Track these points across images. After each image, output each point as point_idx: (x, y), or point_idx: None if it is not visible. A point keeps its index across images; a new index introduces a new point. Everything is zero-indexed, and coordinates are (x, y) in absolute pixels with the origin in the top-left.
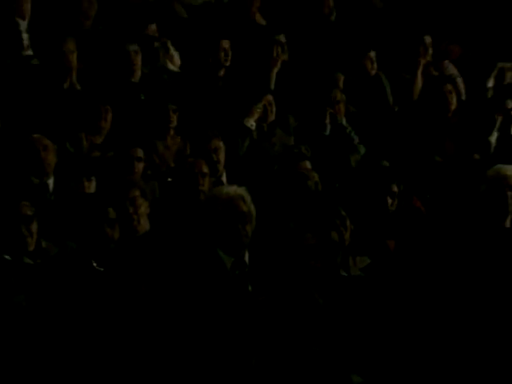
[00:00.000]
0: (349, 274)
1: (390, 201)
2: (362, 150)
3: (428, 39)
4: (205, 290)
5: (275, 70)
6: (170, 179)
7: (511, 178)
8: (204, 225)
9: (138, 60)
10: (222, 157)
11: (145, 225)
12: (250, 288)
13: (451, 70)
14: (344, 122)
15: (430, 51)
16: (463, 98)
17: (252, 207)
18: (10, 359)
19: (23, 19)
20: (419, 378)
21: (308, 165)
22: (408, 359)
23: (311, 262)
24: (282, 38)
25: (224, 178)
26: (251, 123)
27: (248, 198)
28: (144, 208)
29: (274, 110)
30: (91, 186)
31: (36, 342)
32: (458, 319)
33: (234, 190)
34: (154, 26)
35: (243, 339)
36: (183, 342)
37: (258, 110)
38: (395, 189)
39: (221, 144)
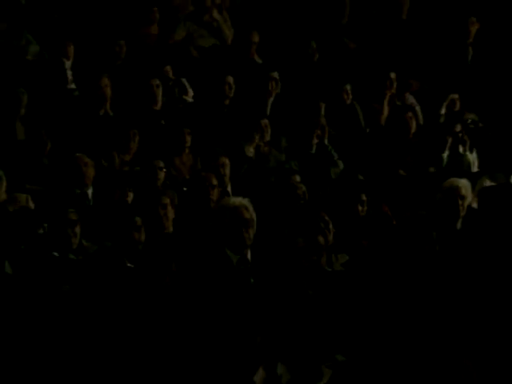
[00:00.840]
0: (332, 269)
1: (360, 208)
2: (341, 165)
3: (393, 75)
4: (216, 281)
5: (270, 100)
6: (185, 189)
7: (462, 188)
8: (215, 229)
9: (159, 92)
10: (227, 171)
11: (170, 227)
12: (251, 280)
13: (411, 100)
14: (326, 141)
15: (395, 85)
16: (421, 122)
17: (254, 215)
18: (59, 340)
19: (68, 59)
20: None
21: (297, 178)
22: (385, 339)
23: (302, 261)
24: (276, 75)
25: (229, 189)
26: (251, 150)
27: (250, 207)
28: (171, 214)
29: (270, 132)
30: (130, 196)
31: (80, 325)
32: (418, 305)
33: (239, 200)
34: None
35: (246, 319)
36: (198, 320)
37: (257, 137)
38: (364, 198)
39: (227, 160)
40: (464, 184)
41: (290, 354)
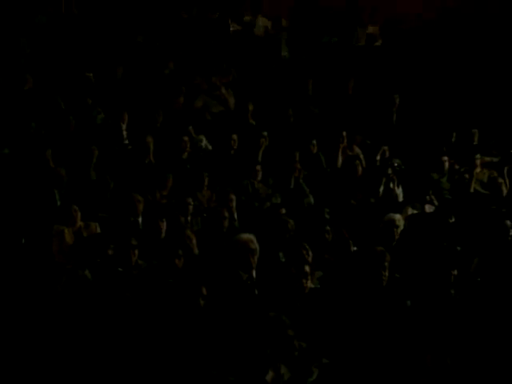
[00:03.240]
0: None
1: (326, 235)
2: (312, 199)
3: (344, 133)
4: (231, 292)
5: (261, 150)
6: (205, 215)
7: (397, 221)
8: (230, 255)
9: (187, 144)
10: (234, 204)
11: (195, 249)
12: (256, 292)
13: (357, 150)
14: (301, 180)
15: (345, 140)
16: (364, 166)
17: (257, 245)
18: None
19: (123, 123)
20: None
21: (283, 211)
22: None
23: (293, 283)
24: (265, 133)
25: (235, 216)
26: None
27: (255, 240)
28: (195, 240)
29: (261, 173)
30: (163, 226)
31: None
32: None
33: (247, 235)
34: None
35: (251, 319)
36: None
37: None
38: (328, 228)
39: (233, 196)
40: (398, 217)
41: (289, 356)
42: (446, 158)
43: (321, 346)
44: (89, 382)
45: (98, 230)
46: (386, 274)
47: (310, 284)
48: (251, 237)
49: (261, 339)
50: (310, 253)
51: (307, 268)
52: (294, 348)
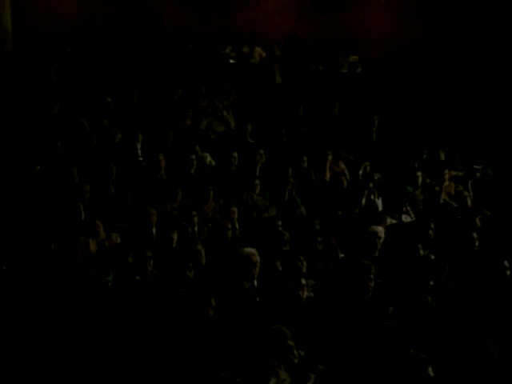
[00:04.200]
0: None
1: (319, 246)
2: (303, 209)
3: (330, 156)
4: (235, 298)
5: (259, 166)
6: (210, 224)
7: (379, 232)
8: (235, 267)
9: (194, 162)
10: (236, 216)
11: (203, 260)
12: (257, 299)
13: (342, 166)
14: (294, 192)
15: (331, 157)
16: (348, 180)
17: (258, 258)
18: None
19: (138, 142)
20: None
21: (279, 223)
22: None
23: (290, 293)
24: (262, 151)
25: (237, 226)
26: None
27: (256, 253)
28: (203, 252)
29: (259, 187)
30: (175, 237)
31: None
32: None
33: (249, 249)
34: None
35: (256, 329)
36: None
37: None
38: (320, 239)
39: (235, 209)
40: (380, 230)
41: (289, 363)
42: (419, 174)
43: (317, 355)
44: (101, 378)
45: (118, 241)
46: (372, 284)
47: (306, 294)
48: (253, 251)
49: (265, 349)
50: (305, 263)
51: (304, 281)
52: (294, 356)
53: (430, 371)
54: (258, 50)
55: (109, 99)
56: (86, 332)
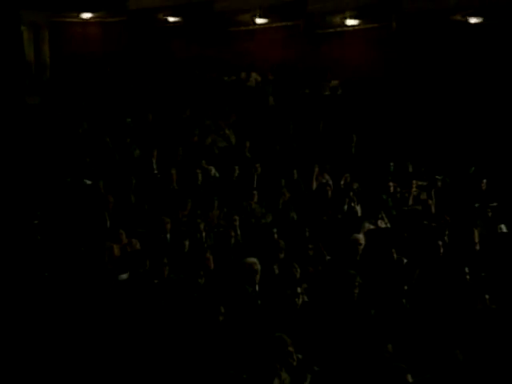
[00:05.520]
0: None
1: (310, 252)
2: (295, 215)
3: (316, 169)
4: (240, 301)
5: (256, 178)
6: (215, 230)
7: (360, 239)
8: (239, 274)
9: (200, 176)
10: (237, 223)
11: (211, 265)
12: (259, 302)
13: (327, 177)
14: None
15: (317, 169)
16: (332, 189)
17: (259, 266)
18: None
19: (154, 158)
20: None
21: (275, 230)
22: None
23: (287, 300)
24: (258, 165)
25: (239, 232)
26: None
27: (257, 262)
28: (212, 259)
29: (256, 196)
30: (187, 243)
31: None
32: None
33: (252, 259)
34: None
35: (255, 323)
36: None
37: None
38: (311, 246)
39: (237, 217)
40: (361, 237)
41: (289, 365)
42: (391, 184)
43: (312, 357)
44: (115, 374)
45: (139, 246)
46: (357, 291)
47: (301, 301)
48: (255, 260)
49: (269, 355)
50: (299, 270)
51: (299, 289)
52: (293, 360)
53: (409, 378)
54: (253, 74)
55: (128, 119)
56: (108, 328)
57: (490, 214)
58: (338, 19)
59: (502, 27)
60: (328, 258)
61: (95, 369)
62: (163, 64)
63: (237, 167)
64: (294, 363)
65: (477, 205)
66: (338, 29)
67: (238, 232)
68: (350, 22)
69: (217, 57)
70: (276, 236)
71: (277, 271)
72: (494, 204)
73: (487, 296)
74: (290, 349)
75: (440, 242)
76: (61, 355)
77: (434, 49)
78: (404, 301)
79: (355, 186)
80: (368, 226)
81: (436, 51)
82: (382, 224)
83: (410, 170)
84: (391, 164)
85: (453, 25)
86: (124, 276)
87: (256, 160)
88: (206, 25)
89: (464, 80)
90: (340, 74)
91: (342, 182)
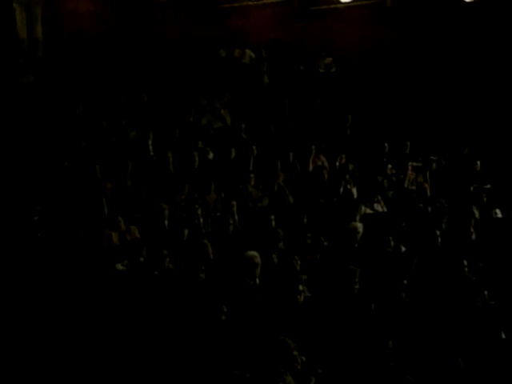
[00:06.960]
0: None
1: (308, 240)
2: (291, 198)
3: (313, 150)
4: (241, 294)
5: (251, 160)
6: (213, 215)
7: (358, 228)
8: (240, 267)
9: (197, 158)
10: (235, 209)
11: (211, 255)
12: (259, 294)
13: (323, 159)
14: (282, 183)
15: (314, 151)
16: (328, 172)
17: (260, 260)
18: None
19: (149, 139)
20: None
21: (272, 216)
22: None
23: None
24: (254, 147)
25: (236, 217)
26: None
27: (258, 255)
28: (210, 248)
29: (253, 180)
30: (185, 231)
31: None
32: None
33: (252, 252)
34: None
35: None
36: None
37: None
38: (309, 235)
39: (235, 202)
40: (359, 225)
41: (293, 368)
42: (389, 166)
43: (316, 359)
44: (117, 370)
45: (137, 234)
46: (357, 286)
47: (302, 298)
48: (255, 253)
49: (274, 359)
50: (299, 262)
51: (301, 287)
52: (297, 363)
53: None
54: (248, 51)
55: (123, 100)
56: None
57: (485, 200)
58: None
59: (496, 4)
60: (325, 243)
61: (95, 361)
62: (156, 44)
63: (233, 149)
64: (299, 367)
65: (472, 188)
66: (332, 6)
67: (236, 218)
68: None
69: (210, 35)
70: (274, 224)
71: (276, 260)
72: (488, 186)
73: (486, 292)
74: (295, 353)
75: (438, 232)
76: (61, 347)
77: (428, 26)
78: (404, 295)
79: (351, 167)
80: (364, 209)
81: (431, 29)
82: (378, 207)
83: (408, 150)
84: (385, 145)
85: (447, 2)
86: (120, 266)
87: (251, 142)
88: (197, 2)
89: (459, 58)
90: (334, 51)
91: (338, 163)
